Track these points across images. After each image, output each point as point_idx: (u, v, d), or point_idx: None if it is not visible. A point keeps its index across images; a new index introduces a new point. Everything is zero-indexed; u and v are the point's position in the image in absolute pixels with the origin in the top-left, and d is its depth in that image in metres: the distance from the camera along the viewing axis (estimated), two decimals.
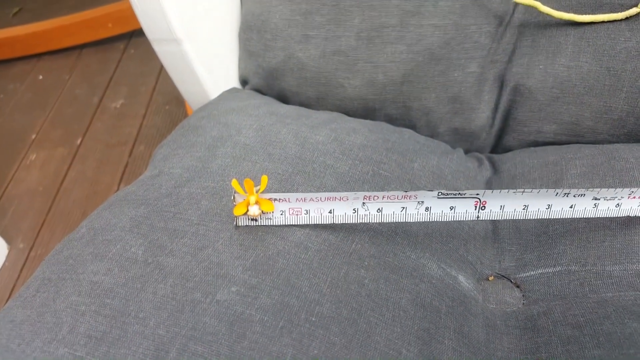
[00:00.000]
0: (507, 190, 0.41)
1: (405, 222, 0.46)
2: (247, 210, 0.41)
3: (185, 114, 1.37)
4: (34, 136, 1.37)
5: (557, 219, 0.48)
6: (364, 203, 0.42)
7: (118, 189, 1.20)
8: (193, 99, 0.71)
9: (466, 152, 0.63)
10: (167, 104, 1.41)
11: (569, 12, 0.56)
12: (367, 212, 0.42)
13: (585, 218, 0.47)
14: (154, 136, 1.32)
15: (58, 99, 1.47)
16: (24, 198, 1.21)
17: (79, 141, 1.34)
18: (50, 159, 1.30)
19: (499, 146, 0.64)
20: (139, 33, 1.66)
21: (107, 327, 0.35)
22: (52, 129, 1.38)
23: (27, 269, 1.07)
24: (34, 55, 1.63)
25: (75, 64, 1.59)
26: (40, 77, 1.56)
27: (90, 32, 1.60)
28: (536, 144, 0.61)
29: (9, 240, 1.12)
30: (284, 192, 0.46)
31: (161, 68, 1.52)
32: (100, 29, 1.59)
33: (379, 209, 0.42)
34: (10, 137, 1.38)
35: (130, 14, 1.55)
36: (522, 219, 0.50)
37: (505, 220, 0.51)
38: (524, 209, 0.43)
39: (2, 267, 1.08)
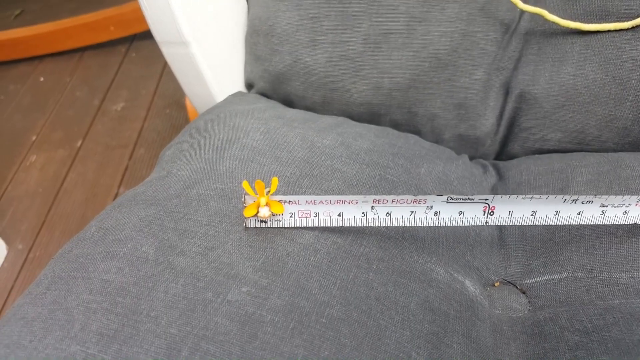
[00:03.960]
0: (515, 195, 0.41)
1: (413, 226, 0.47)
2: (258, 212, 0.41)
3: (185, 118, 1.37)
4: (34, 138, 1.37)
5: (564, 226, 0.48)
6: (373, 207, 0.42)
7: (118, 192, 1.20)
8: (199, 102, 0.71)
9: (471, 158, 0.64)
10: (167, 108, 1.41)
11: (575, 21, 0.56)
12: (376, 216, 0.43)
13: (592, 225, 0.47)
14: (154, 139, 1.32)
15: (59, 101, 1.47)
16: (23, 199, 1.21)
17: (79, 143, 1.33)
18: (50, 161, 1.30)
19: (504, 153, 0.65)
20: (140, 37, 1.66)
21: (119, 325, 0.35)
22: (53, 131, 1.38)
23: (25, 271, 1.07)
24: (35, 57, 1.63)
25: (76, 66, 1.59)
26: (42, 79, 1.56)
27: (91, 35, 1.60)
28: (540, 151, 0.61)
29: (8, 241, 1.12)
30: (292, 194, 0.47)
31: (162, 72, 1.52)
32: (102, 32, 1.59)
33: (388, 213, 0.43)
34: (11, 138, 1.37)
35: (132, 18, 1.56)
36: (529, 226, 0.50)
37: (511, 227, 0.51)
38: (532, 214, 0.43)
39: (0, 268, 1.08)
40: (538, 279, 0.47)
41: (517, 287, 0.47)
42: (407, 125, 0.64)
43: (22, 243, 1.12)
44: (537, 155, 0.60)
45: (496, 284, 0.48)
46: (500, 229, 0.52)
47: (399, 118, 0.64)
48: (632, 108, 0.55)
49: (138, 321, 0.35)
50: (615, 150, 0.58)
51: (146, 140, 1.32)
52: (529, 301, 0.46)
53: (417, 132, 0.65)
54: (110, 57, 1.61)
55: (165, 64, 1.54)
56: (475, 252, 0.49)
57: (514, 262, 0.49)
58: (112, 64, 1.59)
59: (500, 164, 0.61)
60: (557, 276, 0.46)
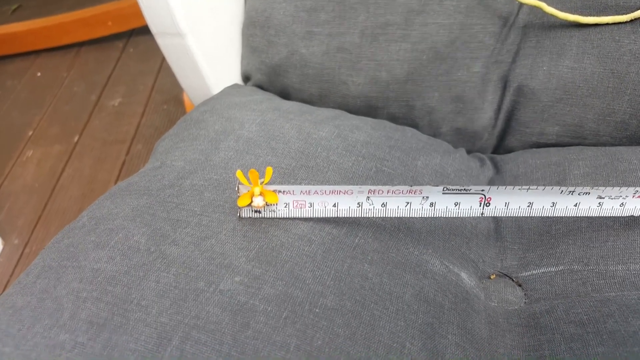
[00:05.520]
0: (512, 186, 0.41)
1: (409, 218, 0.46)
2: (251, 202, 0.41)
3: (183, 114, 1.36)
4: (30, 133, 1.36)
5: (560, 218, 0.48)
6: (368, 197, 0.42)
7: None
8: (195, 94, 0.71)
9: (468, 152, 0.63)
10: (165, 103, 1.40)
11: (573, 14, 0.56)
12: (372, 207, 0.42)
13: (588, 218, 0.47)
14: (151, 135, 1.32)
15: (56, 96, 1.47)
16: (19, 194, 1.21)
17: (76, 139, 1.33)
18: (47, 156, 1.29)
19: (501, 147, 0.64)
20: (138, 32, 1.65)
21: (108, 314, 0.35)
22: (49, 126, 1.37)
23: (21, 265, 1.06)
24: (32, 52, 1.63)
25: (73, 61, 1.58)
26: (39, 74, 1.55)
27: (89, 30, 1.59)
28: (538, 145, 0.61)
29: (4, 236, 1.11)
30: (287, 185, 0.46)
31: (160, 67, 1.52)
32: (100, 27, 1.59)
33: (383, 204, 0.42)
34: (7, 133, 1.37)
35: (130, 13, 1.55)
36: (525, 218, 0.50)
37: (507, 219, 0.51)
38: (528, 206, 0.42)
39: None
40: (534, 272, 0.46)
41: (513, 280, 0.47)
42: (405, 118, 0.64)
43: (18, 238, 1.11)
44: (534, 149, 0.59)
45: (492, 277, 0.47)
46: (497, 221, 0.51)
47: (397, 111, 0.64)
48: (630, 102, 0.55)
49: (128, 310, 0.35)
50: (612, 144, 0.58)
51: (143, 136, 1.32)
52: (524, 294, 0.45)
53: (415, 125, 0.64)
54: (108, 52, 1.61)
55: (163, 60, 1.53)
56: (471, 245, 0.48)
57: (510, 254, 0.49)
58: (109, 59, 1.58)
59: (498, 157, 0.60)
60: (553, 269, 0.45)
